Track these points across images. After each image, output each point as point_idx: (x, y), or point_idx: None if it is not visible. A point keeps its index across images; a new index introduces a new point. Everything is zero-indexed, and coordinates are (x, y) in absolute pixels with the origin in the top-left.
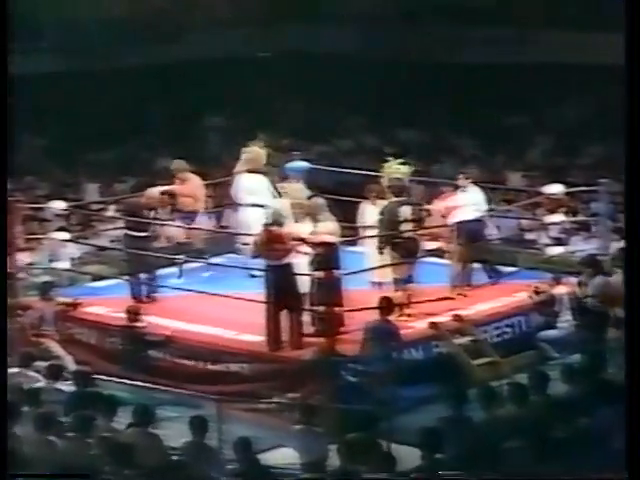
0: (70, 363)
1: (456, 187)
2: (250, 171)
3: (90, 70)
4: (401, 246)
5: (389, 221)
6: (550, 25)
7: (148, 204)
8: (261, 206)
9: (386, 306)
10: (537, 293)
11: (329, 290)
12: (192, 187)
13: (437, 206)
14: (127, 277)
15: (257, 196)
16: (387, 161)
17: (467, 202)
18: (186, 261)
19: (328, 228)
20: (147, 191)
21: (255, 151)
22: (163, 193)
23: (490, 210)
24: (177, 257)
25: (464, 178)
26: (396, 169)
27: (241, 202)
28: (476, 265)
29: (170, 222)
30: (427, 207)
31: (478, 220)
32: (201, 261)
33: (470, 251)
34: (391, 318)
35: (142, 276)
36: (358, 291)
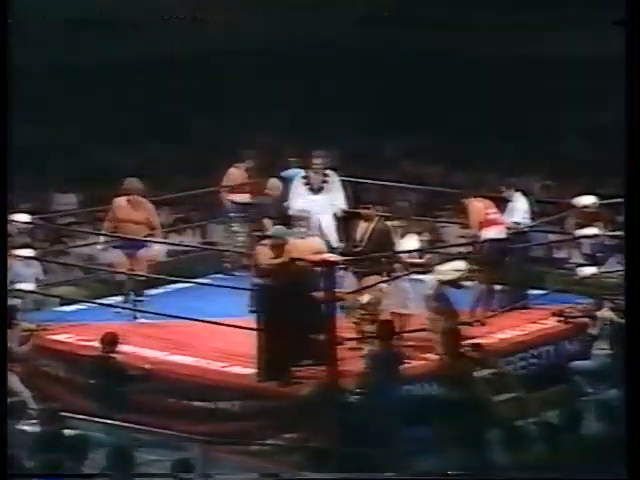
0: (30, 400)
1: (500, 199)
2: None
3: (58, 64)
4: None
5: (378, 241)
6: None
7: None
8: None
9: (385, 332)
10: (568, 319)
11: (327, 314)
12: (144, 213)
13: (478, 211)
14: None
15: None
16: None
17: (512, 217)
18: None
19: (313, 245)
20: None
21: None
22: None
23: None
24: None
25: (507, 188)
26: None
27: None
28: (498, 287)
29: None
30: (465, 206)
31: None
32: (188, 281)
33: (497, 272)
34: (394, 345)
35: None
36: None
